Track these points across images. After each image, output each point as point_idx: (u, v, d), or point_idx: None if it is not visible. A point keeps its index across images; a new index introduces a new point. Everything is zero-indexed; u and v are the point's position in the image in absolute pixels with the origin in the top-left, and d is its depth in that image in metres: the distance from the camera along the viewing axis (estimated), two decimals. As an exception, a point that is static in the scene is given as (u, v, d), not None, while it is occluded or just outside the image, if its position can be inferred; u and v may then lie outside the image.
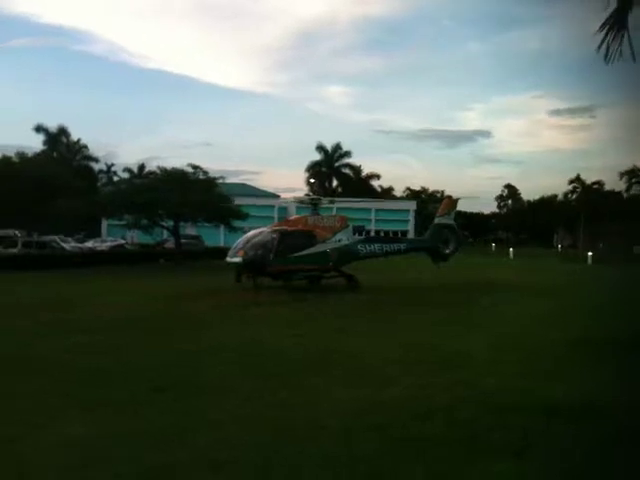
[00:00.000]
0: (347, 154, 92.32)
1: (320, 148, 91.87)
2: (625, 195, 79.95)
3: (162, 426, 7.01)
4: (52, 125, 72.59)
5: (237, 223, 41.29)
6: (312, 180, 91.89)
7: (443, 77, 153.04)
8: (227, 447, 6.32)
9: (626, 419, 7.23)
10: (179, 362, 10.53)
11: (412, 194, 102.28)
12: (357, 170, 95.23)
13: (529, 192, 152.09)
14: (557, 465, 5.91)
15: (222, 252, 30.17)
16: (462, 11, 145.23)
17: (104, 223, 63.36)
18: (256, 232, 25.03)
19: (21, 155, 52.91)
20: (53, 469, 5.78)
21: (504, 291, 24.03)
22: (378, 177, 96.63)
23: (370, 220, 75.50)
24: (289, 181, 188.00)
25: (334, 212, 35.73)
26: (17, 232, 48.19)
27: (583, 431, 6.84)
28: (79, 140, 75.74)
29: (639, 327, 14.15)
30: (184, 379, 9.28)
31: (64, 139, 74.58)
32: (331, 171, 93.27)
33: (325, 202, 28.81)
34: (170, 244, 45.41)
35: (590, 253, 50.31)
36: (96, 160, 78.21)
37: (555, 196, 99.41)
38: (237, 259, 23.47)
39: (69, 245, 44.03)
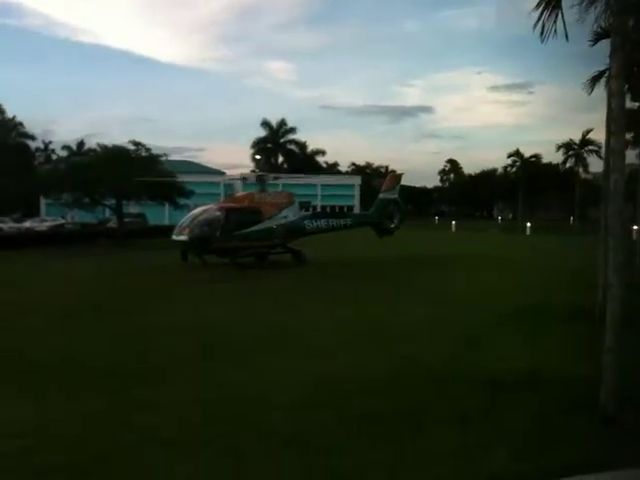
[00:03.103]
0: (292, 130, 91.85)
1: (265, 124, 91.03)
2: (561, 167, 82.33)
3: (109, 408, 6.99)
4: (-16, 103, 69.30)
5: (182, 201, 40.72)
6: (258, 156, 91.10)
7: (384, 52, 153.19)
8: (174, 427, 6.37)
9: (564, 389, 7.52)
10: (125, 344, 10.43)
11: (357, 169, 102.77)
12: (302, 146, 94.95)
13: (470, 166, 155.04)
14: (501, 433, 6.17)
15: (167, 230, 29.74)
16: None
17: (42, 202, 61.32)
18: (202, 209, 24.85)
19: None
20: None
21: (445, 264, 24.63)
22: (323, 153, 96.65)
23: (316, 196, 75.52)
24: (234, 157, 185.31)
25: (280, 189, 35.63)
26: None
27: (525, 401, 7.15)
28: (14, 117, 72.72)
29: (577, 298, 14.70)
30: (130, 362, 9.22)
31: (-1, 116, 71.40)
32: (277, 147, 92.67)
33: (271, 178, 28.74)
34: (113, 223, 44.43)
35: (528, 224, 51.94)
36: (33, 138, 75.05)
37: (495, 170, 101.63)
38: (183, 237, 23.29)
39: (6, 225, 42.60)
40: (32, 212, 59.25)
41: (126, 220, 41.85)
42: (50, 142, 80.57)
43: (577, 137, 73.97)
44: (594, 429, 6.24)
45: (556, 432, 6.15)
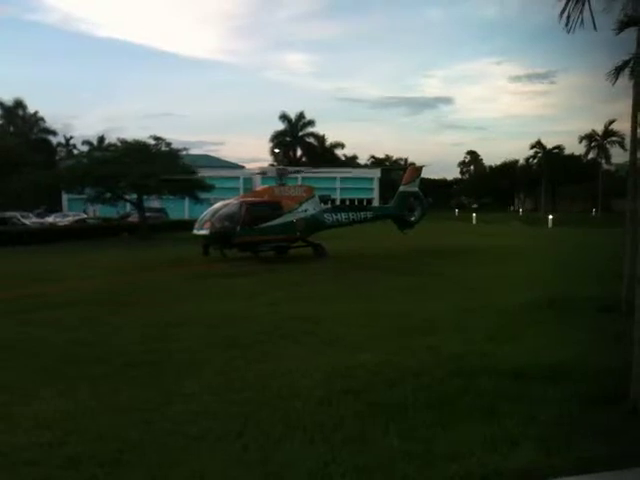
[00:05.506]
0: (311, 123, 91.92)
1: (284, 117, 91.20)
2: (584, 159, 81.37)
3: (138, 400, 7.06)
4: (7, 98, 70.37)
5: (202, 195, 40.96)
6: (276, 150, 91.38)
7: (403, 43, 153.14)
8: (203, 419, 6.41)
9: (589, 382, 7.42)
10: (151, 335, 10.53)
11: (376, 162, 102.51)
12: (321, 139, 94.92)
13: (491, 157, 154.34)
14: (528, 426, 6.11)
15: (187, 224, 29.94)
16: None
17: (64, 197, 62.08)
18: (222, 204, 24.95)
19: (-25, 129, 51.23)
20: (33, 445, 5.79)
21: (468, 256, 24.50)
22: (342, 146, 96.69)
23: (335, 189, 75.47)
24: (253, 151, 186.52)
25: (299, 182, 35.66)
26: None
27: (550, 393, 7.06)
28: (36, 113, 73.67)
29: (601, 289, 14.54)
30: (157, 353, 9.31)
31: (20, 112, 72.39)
32: (295, 140, 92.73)
33: (290, 172, 28.79)
34: (134, 217, 44.82)
35: (550, 216, 51.43)
36: (54, 133, 76.23)
37: (516, 161, 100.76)
38: (204, 231, 23.42)
39: (30, 221, 43.13)
40: (55, 207, 60.00)
41: (147, 215, 42.24)
42: (71, 137, 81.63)
43: (600, 128, 73.09)
44: (624, 423, 6.16)
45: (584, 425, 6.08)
